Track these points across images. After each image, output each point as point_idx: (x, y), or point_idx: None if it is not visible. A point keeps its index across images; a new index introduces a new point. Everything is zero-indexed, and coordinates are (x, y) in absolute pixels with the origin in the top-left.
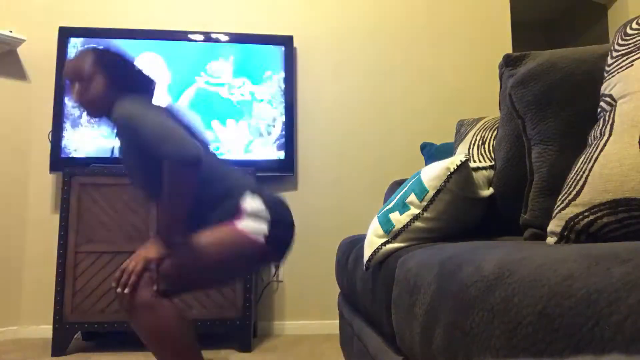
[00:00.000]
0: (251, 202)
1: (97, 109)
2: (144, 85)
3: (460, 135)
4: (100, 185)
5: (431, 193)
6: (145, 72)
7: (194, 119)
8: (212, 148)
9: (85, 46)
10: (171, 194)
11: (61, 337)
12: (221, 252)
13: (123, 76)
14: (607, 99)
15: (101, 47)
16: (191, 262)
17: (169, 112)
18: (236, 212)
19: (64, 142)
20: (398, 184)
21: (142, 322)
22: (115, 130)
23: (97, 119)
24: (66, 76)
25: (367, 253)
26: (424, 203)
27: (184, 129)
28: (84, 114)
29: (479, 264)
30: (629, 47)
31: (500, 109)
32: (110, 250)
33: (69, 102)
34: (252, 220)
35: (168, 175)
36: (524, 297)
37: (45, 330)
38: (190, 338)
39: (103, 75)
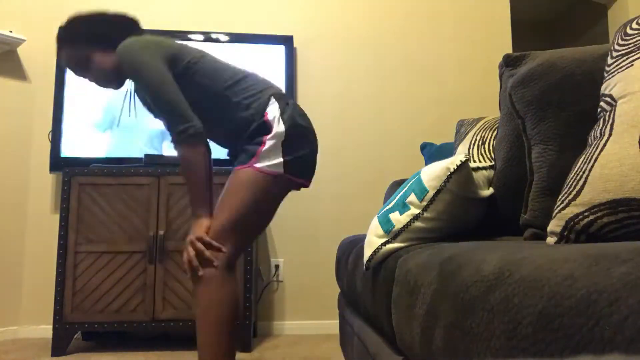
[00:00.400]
0: (274, 111)
1: (114, 79)
2: (129, 27)
3: (460, 135)
4: (100, 185)
5: (431, 193)
6: (119, 14)
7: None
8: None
9: (56, 36)
10: (183, 169)
11: (61, 337)
12: (252, 197)
13: (103, 34)
14: (607, 99)
15: (63, 24)
16: (233, 216)
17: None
18: (265, 128)
19: (64, 142)
20: (398, 184)
21: (200, 295)
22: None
23: (121, 84)
24: (75, 74)
25: (367, 253)
26: (424, 203)
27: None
28: (112, 90)
29: (479, 264)
30: (629, 47)
31: (500, 109)
32: (110, 250)
33: (68, 102)
34: (269, 150)
35: (176, 149)
36: (524, 297)
37: (45, 330)
38: (234, 324)
39: (92, 49)
